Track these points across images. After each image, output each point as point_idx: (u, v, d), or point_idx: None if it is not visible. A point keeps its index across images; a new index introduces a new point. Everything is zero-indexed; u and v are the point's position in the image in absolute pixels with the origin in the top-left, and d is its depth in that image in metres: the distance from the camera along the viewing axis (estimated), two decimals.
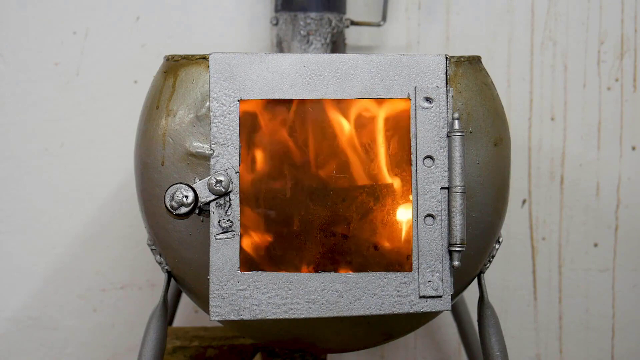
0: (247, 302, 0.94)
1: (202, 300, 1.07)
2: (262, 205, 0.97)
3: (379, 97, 0.96)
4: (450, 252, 0.95)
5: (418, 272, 0.95)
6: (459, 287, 1.09)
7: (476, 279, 1.12)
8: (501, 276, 1.60)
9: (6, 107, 1.53)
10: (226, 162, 0.93)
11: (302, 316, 0.94)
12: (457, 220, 0.94)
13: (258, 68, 0.95)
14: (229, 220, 0.93)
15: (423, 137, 0.95)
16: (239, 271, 0.93)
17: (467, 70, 1.05)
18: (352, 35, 1.54)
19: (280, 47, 1.39)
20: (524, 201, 1.59)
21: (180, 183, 0.92)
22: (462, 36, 1.56)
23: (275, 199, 0.97)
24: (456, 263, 0.94)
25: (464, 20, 1.56)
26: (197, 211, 0.92)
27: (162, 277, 1.52)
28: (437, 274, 0.95)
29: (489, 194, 1.05)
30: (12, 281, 1.56)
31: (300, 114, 0.97)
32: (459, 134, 0.94)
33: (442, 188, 0.94)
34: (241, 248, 0.94)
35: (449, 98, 0.96)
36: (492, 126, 1.05)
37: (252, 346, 1.32)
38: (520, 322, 1.61)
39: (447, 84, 0.96)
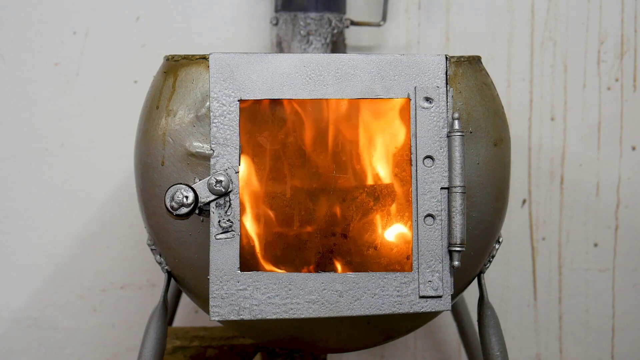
0: (247, 302, 0.93)
1: (202, 300, 1.07)
2: (262, 205, 0.97)
3: (378, 97, 0.96)
4: (450, 252, 0.95)
5: (418, 272, 0.95)
6: (459, 287, 1.09)
7: (476, 279, 1.12)
8: (501, 276, 1.60)
9: (6, 107, 1.53)
10: (226, 162, 0.93)
11: (302, 316, 0.94)
12: (457, 220, 0.94)
13: (258, 68, 0.95)
14: (229, 220, 0.93)
15: (423, 137, 0.95)
16: (239, 271, 0.93)
17: (467, 70, 1.05)
18: (352, 35, 1.54)
19: (280, 47, 1.39)
20: (524, 201, 1.59)
21: (180, 183, 0.92)
22: (462, 36, 1.56)
23: (275, 199, 0.97)
24: (456, 263, 0.94)
25: (464, 20, 1.56)
26: (197, 211, 0.92)
27: (162, 277, 1.52)
28: (437, 274, 0.95)
29: (489, 194, 1.05)
30: (12, 281, 1.56)
31: (300, 114, 0.97)
32: (459, 134, 0.94)
33: (442, 188, 0.94)
34: (241, 248, 0.94)
35: (449, 98, 0.96)
36: (492, 126, 1.05)
37: (252, 346, 1.32)
38: (520, 322, 1.61)
39: (447, 84, 0.96)
